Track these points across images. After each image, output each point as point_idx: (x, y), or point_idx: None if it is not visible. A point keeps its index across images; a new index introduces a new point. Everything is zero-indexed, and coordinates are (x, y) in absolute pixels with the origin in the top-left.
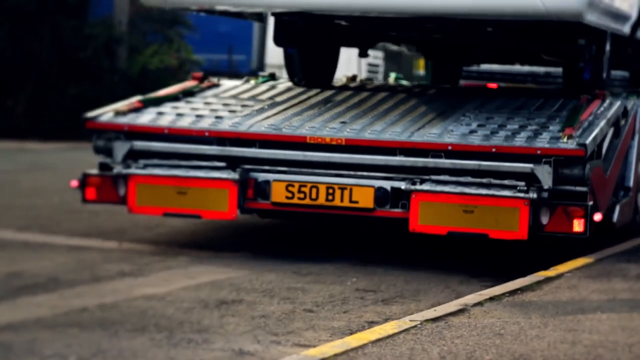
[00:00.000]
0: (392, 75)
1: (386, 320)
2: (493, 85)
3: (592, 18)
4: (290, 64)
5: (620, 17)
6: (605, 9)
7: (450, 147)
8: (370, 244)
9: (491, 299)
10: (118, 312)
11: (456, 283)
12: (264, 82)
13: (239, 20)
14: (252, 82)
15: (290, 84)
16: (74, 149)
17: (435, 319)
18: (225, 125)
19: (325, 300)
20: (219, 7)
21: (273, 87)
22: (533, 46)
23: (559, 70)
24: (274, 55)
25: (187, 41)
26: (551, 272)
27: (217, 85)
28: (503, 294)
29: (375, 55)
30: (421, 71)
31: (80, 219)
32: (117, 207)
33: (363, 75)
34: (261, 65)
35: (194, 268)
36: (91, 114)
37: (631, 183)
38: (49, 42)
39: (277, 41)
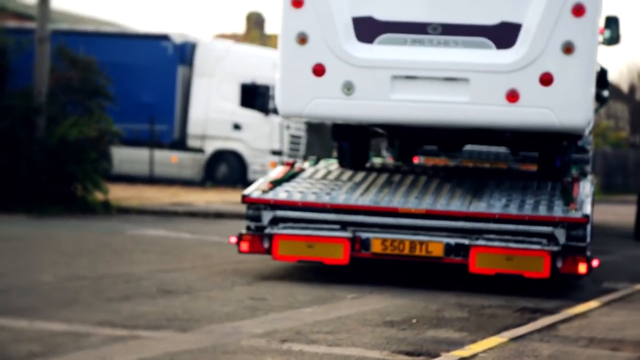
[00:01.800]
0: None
1: None
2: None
3: (586, 130)
4: (341, 152)
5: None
6: (590, 123)
7: (497, 216)
8: (287, 322)
9: None
10: None
11: None
12: (314, 164)
13: (161, 90)
14: (306, 163)
15: (338, 166)
16: None
17: None
18: (340, 200)
19: None
20: (351, 122)
21: (343, 172)
22: (526, 143)
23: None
24: (196, 126)
25: (108, 111)
26: (465, 352)
27: (303, 170)
28: None
29: (298, 127)
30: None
31: None
32: (31, 285)
33: (286, 146)
34: (183, 136)
35: (106, 348)
36: (245, 192)
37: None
38: None
39: (335, 137)
